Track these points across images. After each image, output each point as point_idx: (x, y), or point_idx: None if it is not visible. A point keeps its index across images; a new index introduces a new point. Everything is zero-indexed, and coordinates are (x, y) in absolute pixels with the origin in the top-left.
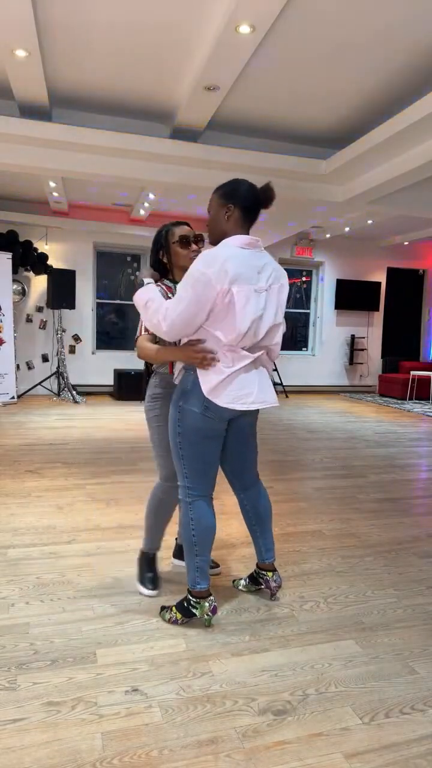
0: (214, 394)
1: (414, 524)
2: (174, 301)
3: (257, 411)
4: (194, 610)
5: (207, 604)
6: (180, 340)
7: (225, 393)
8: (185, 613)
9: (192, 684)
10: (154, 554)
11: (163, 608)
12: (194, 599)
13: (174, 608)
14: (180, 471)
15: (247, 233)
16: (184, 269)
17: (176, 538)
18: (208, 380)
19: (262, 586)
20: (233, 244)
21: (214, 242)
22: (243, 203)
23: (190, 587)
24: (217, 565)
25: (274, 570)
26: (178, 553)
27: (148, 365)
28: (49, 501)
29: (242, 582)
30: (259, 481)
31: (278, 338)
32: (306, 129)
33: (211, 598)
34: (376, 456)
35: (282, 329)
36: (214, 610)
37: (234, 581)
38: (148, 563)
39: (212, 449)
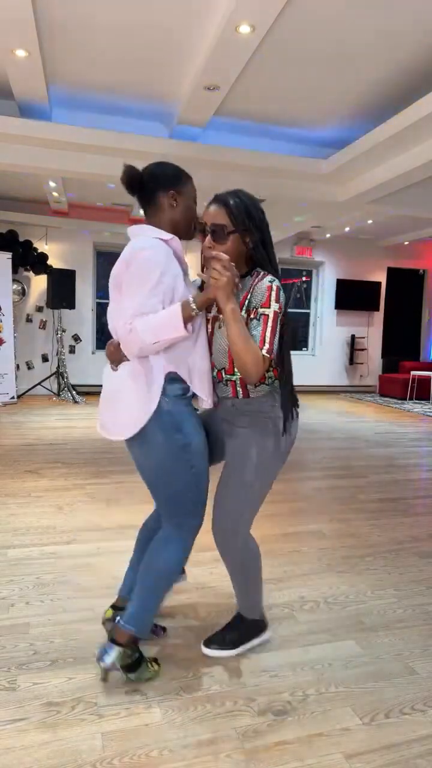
0: None
1: (414, 524)
2: None
3: (134, 442)
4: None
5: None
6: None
7: None
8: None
9: (192, 684)
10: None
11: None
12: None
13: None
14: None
15: (145, 221)
16: None
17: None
18: None
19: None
20: None
21: None
22: None
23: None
24: None
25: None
26: None
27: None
28: (49, 501)
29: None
30: (163, 528)
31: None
32: (306, 129)
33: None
34: (376, 456)
35: (119, 316)
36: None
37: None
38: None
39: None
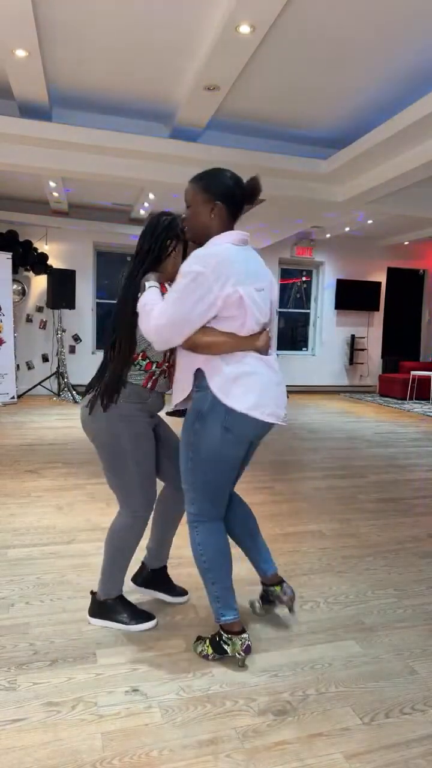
0: (234, 400)
1: (414, 524)
2: (165, 303)
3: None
4: (226, 647)
5: (239, 642)
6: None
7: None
8: (217, 650)
9: (192, 684)
10: (119, 596)
11: (198, 639)
12: (225, 635)
13: (207, 641)
14: (188, 497)
15: (232, 228)
16: None
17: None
18: (225, 390)
19: (276, 605)
20: (227, 241)
21: (197, 239)
22: (230, 200)
23: (215, 620)
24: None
25: (281, 582)
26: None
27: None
28: (49, 501)
29: (257, 605)
30: (235, 493)
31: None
32: (306, 129)
33: (245, 635)
34: (376, 456)
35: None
36: (247, 649)
37: (250, 603)
38: (122, 604)
39: (229, 476)
